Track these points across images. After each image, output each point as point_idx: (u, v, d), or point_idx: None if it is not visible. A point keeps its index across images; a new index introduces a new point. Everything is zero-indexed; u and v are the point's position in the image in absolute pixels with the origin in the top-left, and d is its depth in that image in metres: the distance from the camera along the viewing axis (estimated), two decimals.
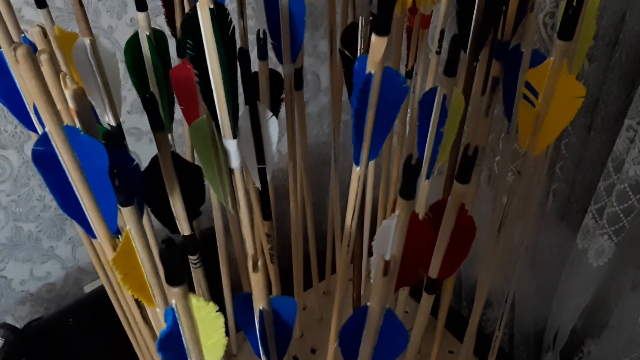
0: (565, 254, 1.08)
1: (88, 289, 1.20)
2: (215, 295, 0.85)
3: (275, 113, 0.77)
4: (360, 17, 0.59)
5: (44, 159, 0.45)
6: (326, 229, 1.19)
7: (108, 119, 0.71)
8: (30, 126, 0.65)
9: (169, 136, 0.76)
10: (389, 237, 0.47)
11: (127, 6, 1.05)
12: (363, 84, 0.47)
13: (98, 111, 0.71)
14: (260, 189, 0.71)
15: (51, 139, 0.45)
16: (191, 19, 0.53)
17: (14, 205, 1.09)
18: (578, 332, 1.15)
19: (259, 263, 0.43)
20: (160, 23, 0.89)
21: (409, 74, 0.87)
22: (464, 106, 0.62)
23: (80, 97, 0.46)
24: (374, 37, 0.44)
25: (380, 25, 0.43)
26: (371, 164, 0.87)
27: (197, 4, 0.52)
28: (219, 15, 0.53)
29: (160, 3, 0.82)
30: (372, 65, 0.46)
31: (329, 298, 1.17)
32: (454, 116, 0.58)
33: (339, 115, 0.96)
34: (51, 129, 0.44)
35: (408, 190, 0.46)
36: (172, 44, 0.79)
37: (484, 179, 1.14)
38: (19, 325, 1.07)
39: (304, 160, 0.86)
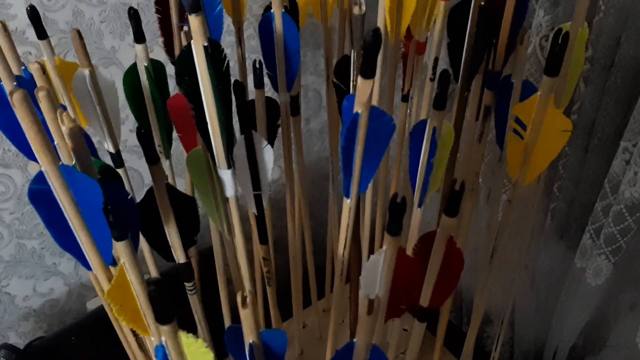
0: (564, 272, 1.09)
1: (91, 305, 1.22)
2: (213, 316, 0.86)
3: (272, 138, 0.79)
4: (352, 51, 0.60)
5: (41, 196, 0.47)
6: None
7: (107, 146, 0.72)
8: (30, 155, 0.66)
9: (168, 162, 0.77)
10: (377, 273, 0.48)
11: (129, 28, 1.07)
12: (350, 123, 0.48)
13: (98, 138, 0.72)
14: (256, 214, 0.72)
15: (47, 178, 0.46)
16: (186, 55, 0.54)
17: (17, 223, 1.10)
18: (577, 350, 1.15)
19: (248, 299, 0.44)
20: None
21: (405, 98, 0.88)
22: (456, 135, 0.63)
23: (76, 135, 0.47)
24: (360, 79, 0.46)
25: (366, 68, 0.44)
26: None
27: (192, 41, 0.53)
28: (213, 51, 0.55)
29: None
30: (359, 105, 0.47)
31: (329, 316, 1.18)
32: (444, 148, 0.59)
33: (337, 132, 0.97)
34: (47, 169, 0.45)
35: (395, 227, 0.47)
36: (170, 68, 0.80)
37: (483, 196, 1.15)
38: (22, 342, 1.09)
39: (301, 182, 0.87)
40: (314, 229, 1.09)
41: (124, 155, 0.83)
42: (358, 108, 0.47)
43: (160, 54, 0.81)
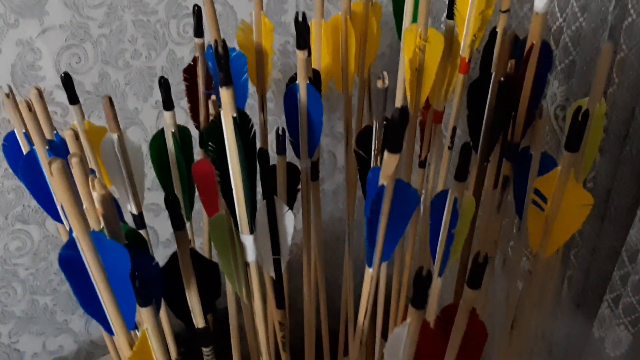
0: (581, 341, 1.07)
1: None
2: None
3: (292, 202, 0.80)
4: (374, 122, 0.62)
5: (70, 262, 0.47)
6: (339, 306, 1.19)
7: (130, 208, 0.74)
8: (56, 216, 0.67)
9: (188, 223, 0.78)
10: (400, 346, 0.48)
11: (152, 90, 1.10)
12: (375, 196, 0.49)
13: (121, 200, 0.73)
14: (274, 278, 0.72)
15: (78, 245, 0.47)
16: (215, 125, 0.56)
17: (31, 279, 1.11)
18: None
19: None
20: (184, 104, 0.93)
21: (422, 164, 0.89)
22: (475, 206, 0.63)
23: (107, 202, 0.48)
24: (386, 153, 0.47)
25: (392, 144, 0.46)
26: None
27: (221, 112, 0.55)
28: (242, 121, 0.56)
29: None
30: (385, 178, 0.48)
31: None
32: (465, 219, 0.60)
33: (354, 196, 0.98)
34: (79, 235, 0.46)
35: (420, 300, 0.47)
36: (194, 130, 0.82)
37: (498, 263, 1.14)
38: None
39: (318, 246, 0.88)
40: (325, 291, 1.09)
41: None
42: (383, 181, 0.48)
43: (179, 114, 0.83)
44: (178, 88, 1.09)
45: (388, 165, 0.47)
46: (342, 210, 1.49)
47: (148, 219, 1.20)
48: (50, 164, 0.42)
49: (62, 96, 1.01)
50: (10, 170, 0.91)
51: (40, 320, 1.15)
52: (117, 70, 1.06)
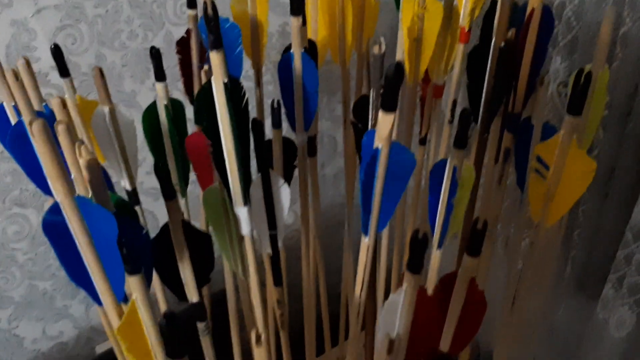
0: (584, 323, 1.05)
1: (99, 349, 1.19)
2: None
3: (289, 178, 0.78)
4: (371, 90, 0.60)
5: (55, 228, 0.46)
6: (340, 291, 1.17)
7: (124, 184, 0.72)
8: (47, 190, 0.66)
9: (184, 200, 0.77)
10: (396, 313, 0.46)
11: (150, 72, 1.09)
12: (370, 158, 0.47)
13: (115, 176, 0.72)
14: (271, 255, 0.71)
15: (62, 209, 0.45)
16: (205, 91, 0.55)
17: (30, 264, 1.10)
18: None
19: (263, 338, 0.42)
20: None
21: (423, 141, 0.87)
22: (475, 177, 0.62)
23: (93, 167, 0.47)
24: (381, 112, 0.45)
25: (387, 101, 0.44)
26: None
27: (212, 78, 0.53)
28: (233, 88, 0.55)
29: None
30: (380, 139, 0.47)
31: None
32: (464, 188, 0.58)
33: (353, 178, 0.96)
34: (62, 200, 0.45)
35: (415, 264, 0.46)
36: (189, 109, 0.81)
37: (500, 245, 1.12)
38: None
39: (316, 225, 0.86)
40: (325, 276, 1.07)
41: (140, 197, 0.83)
42: (378, 143, 0.47)
43: (177, 98, 0.82)
44: (174, 70, 1.07)
45: (383, 126, 0.45)
46: (343, 195, 1.47)
47: (147, 203, 1.19)
48: (30, 124, 0.41)
49: (58, 78, 1.00)
50: (7, 154, 0.90)
51: (40, 306, 1.14)
52: (113, 52, 1.04)
